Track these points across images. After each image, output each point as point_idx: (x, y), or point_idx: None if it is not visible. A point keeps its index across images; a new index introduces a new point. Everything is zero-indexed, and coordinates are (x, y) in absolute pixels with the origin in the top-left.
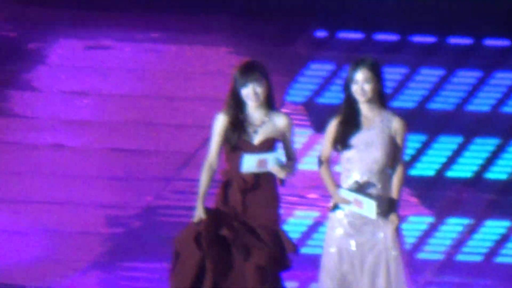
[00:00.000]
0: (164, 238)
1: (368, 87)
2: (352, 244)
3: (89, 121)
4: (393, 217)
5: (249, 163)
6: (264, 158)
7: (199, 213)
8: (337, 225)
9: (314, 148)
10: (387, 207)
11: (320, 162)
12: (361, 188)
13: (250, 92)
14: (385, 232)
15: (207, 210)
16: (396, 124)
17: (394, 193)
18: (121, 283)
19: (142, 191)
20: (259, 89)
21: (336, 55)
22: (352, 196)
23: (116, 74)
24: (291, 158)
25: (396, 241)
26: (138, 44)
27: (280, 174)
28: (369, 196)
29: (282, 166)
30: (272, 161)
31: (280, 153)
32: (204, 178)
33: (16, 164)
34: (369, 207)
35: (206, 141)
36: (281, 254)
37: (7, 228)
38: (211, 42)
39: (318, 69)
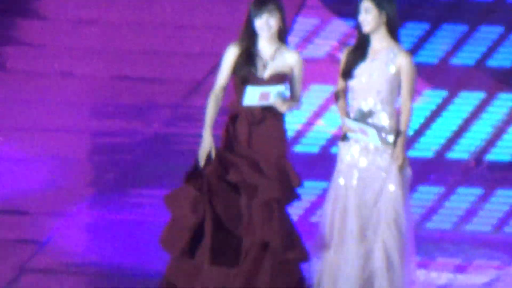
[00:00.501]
0: (172, 165)
1: (369, 17)
2: (354, 176)
3: (97, 49)
4: (397, 153)
5: (252, 96)
6: (267, 92)
7: (206, 144)
8: (346, 153)
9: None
10: (394, 136)
11: (336, 96)
12: (364, 117)
13: (263, 23)
14: (387, 171)
15: (215, 152)
16: (400, 59)
17: (401, 126)
18: (129, 210)
19: (150, 118)
20: (272, 21)
21: None
22: (356, 125)
23: (123, 3)
24: (296, 96)
25: (398, 179)
26: None
27: (282, 108)
28: (372, 124)
29: (284, 100)
30: (275, 95)
31: (283, 88)
32: (210, 108)
33: (24, 92)
34: (372, 135)
35: (213, 69)
36: (286, 187)
37: (15, 156)
38: None
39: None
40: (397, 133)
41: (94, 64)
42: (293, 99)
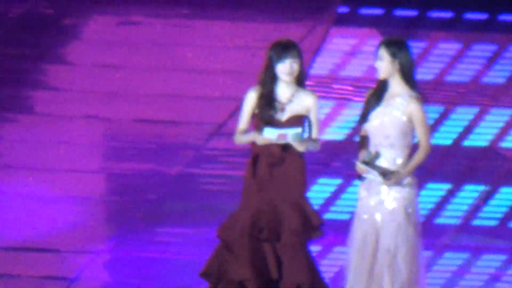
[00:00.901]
0: (194, 205)
1: (383, 64)
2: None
3: (121, 93)
4: (389, 182)
5: (269, 136)
6: (284, 133)
7: (257, 138)
8: (364, 193)
9: (336, 119)
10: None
11: (360, 139)
12: (372, 159)
13: (287, 67)
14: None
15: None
16: (410, 107)
17: (405, 167)
18: (154, 248)
19: (173, 160)
20: (295, 65)
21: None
22: (364, 167)
23: (146, 49)
24: (314, 136)
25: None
26: (167, 19)
27: (300, 148)
28: (378, 166)
29: (302, 141)
30: (292, 136)
31: (300, 130)
32: (240, 137)
33: (51, 135)
34: (376, 176)
35: (233, 112)
36: (306, 225)
37: (44, 196)
38: (237, 18)
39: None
40: (396, 173)
41: (118, 107)
42: (312, 139)
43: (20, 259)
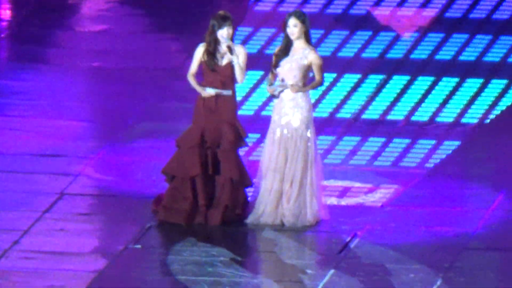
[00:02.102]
0: (160, 125)
1: (295, 30)
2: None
3: (107, 50)
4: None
5: (209, 92)
6: (220, 91)
7: (203, 91)
8: (277, 116)
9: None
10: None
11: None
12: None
13: (225, 32)
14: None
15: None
16: (311, 55)
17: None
18: (133, 156)
19: (145, 96)
20: (230, 30)
21: None
22: (273, 87)
23: (124, 18)
24: (240, 68)
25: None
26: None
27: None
28: (282, 84)
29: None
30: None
31: (231, 92)
32: (193, 81)
33: (61, 79)
34: (283, 87)
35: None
36: (237, 137)
37: (51, 118)
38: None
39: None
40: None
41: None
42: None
43: (40, 162)
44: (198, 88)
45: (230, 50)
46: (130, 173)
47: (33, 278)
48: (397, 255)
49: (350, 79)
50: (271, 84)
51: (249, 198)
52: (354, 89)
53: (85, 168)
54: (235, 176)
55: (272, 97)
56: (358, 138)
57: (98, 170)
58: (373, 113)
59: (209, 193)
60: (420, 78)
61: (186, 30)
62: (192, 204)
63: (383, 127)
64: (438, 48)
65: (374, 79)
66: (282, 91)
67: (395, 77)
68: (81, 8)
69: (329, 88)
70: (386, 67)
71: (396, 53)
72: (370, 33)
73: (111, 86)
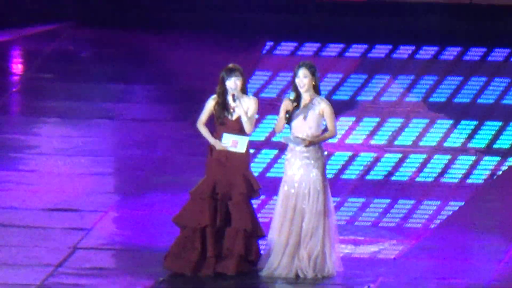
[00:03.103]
0: (172, 177)
1: (305, 81)
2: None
3: (122, 103)
4: (306, 142)
5: (225, 141)
6: (237, 140)
7: (217, 144)
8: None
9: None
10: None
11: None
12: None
13: (232, 83)
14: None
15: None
16: (321, 105)
17: (315, 138)
18: (144, 208)
19: (155, 148)
20: (238, 82)
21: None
22: (285, 140)
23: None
24: (249, 115)
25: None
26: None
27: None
28: (295, 137)
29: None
30: (242, 142)
31: (248, 138)
32: (204, 130)
33: (74, 131)
34: (295, 141)
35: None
36: (249, 189)
37: (66, 173)
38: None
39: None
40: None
41: None
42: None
43: (52, 216)
44: (211, 139)
45: (234, 98)
46: (143, 227)
47: None
48: None
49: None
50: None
51: (261, 251)
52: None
53: (98, 222)
54: (248, 226)
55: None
56: (363, 199)
57: (111, 224)
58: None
59: (219, 245)
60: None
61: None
62: (200, 255)
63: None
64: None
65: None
66: (293, 142)
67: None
68: (94, 59)
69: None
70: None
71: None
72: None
73: (125, 137)
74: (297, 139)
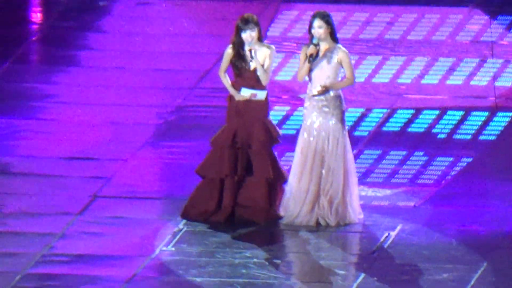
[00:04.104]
0: (192, 125)
1: (321, 31)
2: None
3: (142, 52)
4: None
5: (244, 94)
6: (255, 93)
7: (236, 95)
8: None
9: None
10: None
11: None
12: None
13: (248, 35)
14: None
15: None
16: (339, 54)
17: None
18: (164, 157)
19: (175, 96)
20: (253, 33)
21: None
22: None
23: (156, 20)
24: (266, 68)
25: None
26: (171, 0)
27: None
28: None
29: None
30: (260, 95)
31: (266, 92)
32: (225, 81)
33: (91, 80)
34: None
35: (215, 63)
36: (269, 136)
37: (85, 122)
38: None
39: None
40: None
41: (140, 61)
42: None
43: (72, 165)
44: (231, 90)
45: (251, 54)
46: (163, 175)
47: (69, 282)
48: (430, 254)
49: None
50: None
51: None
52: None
53: (118, 170)
54: (269, 174)
55: (310, 57)
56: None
57: (131, 172)
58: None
59: (239, 195)
60: None
61: (221, 34)
62: (216, 205)
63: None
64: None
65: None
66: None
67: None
68: (112, 10)
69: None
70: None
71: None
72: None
73: (142, 87)
74: (319, 90)
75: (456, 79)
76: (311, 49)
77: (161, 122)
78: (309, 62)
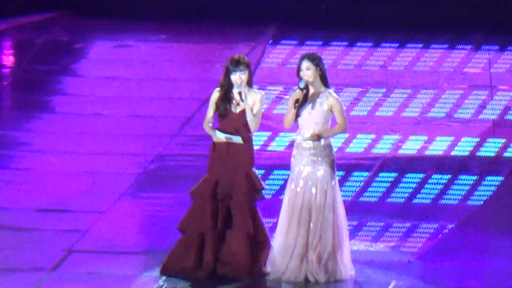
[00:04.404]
0: (172, 176)
1: (309, 73)
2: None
3: (120, 97)
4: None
5: (220, 136)
6: (230, 137)
7: (213, 134)
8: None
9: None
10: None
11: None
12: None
13: (237, 77)
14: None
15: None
16: (329, 100)
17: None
18: (143, 209)
19: (155, 144)
20: (243, 76)
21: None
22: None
23: (135, 64)
24: (254, 112)
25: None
26: (150, 43)
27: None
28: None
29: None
30: (235, 139)
31: (241, 138)
32: (207, 127)
33: (67, 127)
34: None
35: (198, 108)
36: (252, 189)
37: (60, 172)
38: (201, 41)
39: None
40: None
41: (116, 107)
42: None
43: (46, 217)
44: (210, 132)
45: (241, 97)
46: (141, 228)
47: None
48: None
49: None
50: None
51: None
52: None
53: (94, 223)
54: (249, 229)
55: (296, 102)
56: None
57: (108, 225)
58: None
59: (220, 249)
60: None
61: (203, 78)
62: (195, 262)
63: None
64: None
65: None
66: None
67: None
68: (88, 53)
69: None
70: None
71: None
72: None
73: (120, 134)
74: (300, 137)
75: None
76: (297, 94)
77: (140, 171)
78: (294, 107)
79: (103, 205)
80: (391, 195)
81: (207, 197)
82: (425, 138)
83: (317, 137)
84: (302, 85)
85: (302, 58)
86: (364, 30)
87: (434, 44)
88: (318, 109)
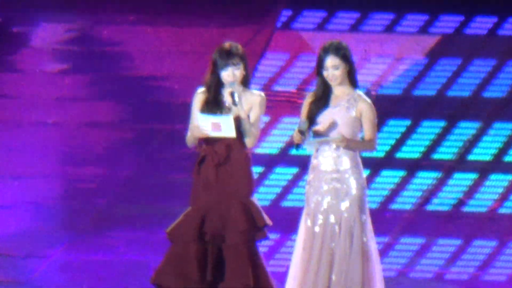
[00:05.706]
0: (138, 207)
1: (337, 72)
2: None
3: (69, 98)
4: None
5: (204, 124)
6: (217, 121)
7: (193, 128)
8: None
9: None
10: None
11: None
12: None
13: (230, 75)
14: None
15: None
16: (361, 105)
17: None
18: (104, 251)
19: (123, 163)
20: (237, 72)
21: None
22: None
23: (94, 55)
24: (255, 126)
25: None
26: (114, 26)
27: (233, 133)
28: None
29: (233, 127)
30: (226, 126)
31: (231, 117)
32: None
33: (2, 140)
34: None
35: (178, 116)
36: (251, 226)
37: None
38: (183, 23)
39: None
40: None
41: (67, 112)
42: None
43: None
44: (190, 131)
45: (233, 99)
46: (102, 276)
47: None
48: None
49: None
50: (302, 132)
51: None
52: None
53: (39, 272)
54: (248, 282)
55: (297, 147)
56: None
57: (57, 274)
58: None
59: None
60: None
61: (181, 74)
62: None
63: None
64: None
65: None
66: (321, 143)
67: None
68: (31, 40)
69: None
70: None
71: None
72: None
73: (71, 150)
74: (327, 138)
75: None
76: (295, 137)
77: (102, 201)
78: (296, 148)
79: (51, 248)
80: None
81: (191, 239)
82: None
83: (345, 143)
84: (303, 127)
85: (325, 51)
86: (410, 7)
87: None
88: (343, 116)
